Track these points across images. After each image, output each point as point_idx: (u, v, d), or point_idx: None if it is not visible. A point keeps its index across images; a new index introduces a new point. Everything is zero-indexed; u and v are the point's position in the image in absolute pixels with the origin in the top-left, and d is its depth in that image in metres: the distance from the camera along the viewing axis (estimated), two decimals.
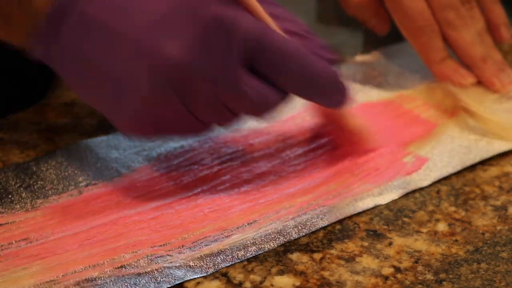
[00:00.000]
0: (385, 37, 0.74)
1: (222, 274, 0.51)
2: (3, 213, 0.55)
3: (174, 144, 0.62)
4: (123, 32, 0.52)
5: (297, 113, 0.66)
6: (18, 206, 0.56)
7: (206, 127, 0.56)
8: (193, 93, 0.53)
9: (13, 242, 0.53)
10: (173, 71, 0.52)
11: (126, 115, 0.54)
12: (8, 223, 0.54)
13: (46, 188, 0.57)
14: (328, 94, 0.56)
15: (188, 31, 0.52)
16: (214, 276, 0.51)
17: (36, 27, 0.53)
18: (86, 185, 0.58)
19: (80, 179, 0.58)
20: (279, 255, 0.53)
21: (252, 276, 0.51)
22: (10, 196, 0.57)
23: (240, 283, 0.51)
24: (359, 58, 0.74)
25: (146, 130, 0.55)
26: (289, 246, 0.54)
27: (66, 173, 0.59)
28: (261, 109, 0.54)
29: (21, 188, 0.57)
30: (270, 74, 0.53)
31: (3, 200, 0.56)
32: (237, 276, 0.51)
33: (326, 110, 0.62)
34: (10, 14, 0.54)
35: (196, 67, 0.52)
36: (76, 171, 0.59)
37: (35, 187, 0.57)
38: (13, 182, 0.58)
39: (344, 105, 0.57)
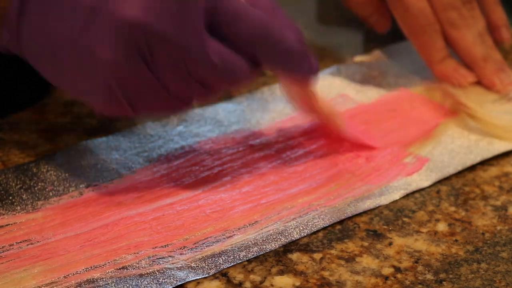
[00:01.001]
0: (385, 36, 0.74)
1: (222, 274, 0.52)
2: (4, 214, 0.55)
3: (174, 145, 0.63)
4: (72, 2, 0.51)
5: (298, 114, 0.66)
6: (19, 208, 0.56)
7: (181, 102, 0.54)
8: (157, 58, 0.51)
9: (14, 243, 0.53)
10: (134, 32, 0.51)
11: (96, 89, 0.52)
12: (9, 224, 0.54)
13: (47, 190, 0.57)
14: (294, 60, 0.55)
15: None
16: (214, 276, 0.51)
17: (3, 17, 0.53)
18: (87, 186, 0.58)
19: (81, 180, 0.58)
20: (279, 255, 0.53)
21: (252, 276, 0.52)
22: (10, 197, 0.57)
23: (240, 283, 0.51)
24: (359, 58, 0.74)
25: (121, 105, 0.53)
26: (289, 246, 0.54)
27: (67, 175, 0.59)
28: (229, 77, 0.53)
29: (22, 190, 0.57)
30: (231, 36, 0.52)
31: (3, 202, 0.56)
32: (237, 276, 0.52)
33: (301, 96, 0.61)
34: None
35: (158, 28, 0.51)
36: (76, 173, 0.59)
37: (36, 188, 0.57)
38: (13, 184, 0.58)
39: (313, 74, 0.57)
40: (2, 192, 0.57)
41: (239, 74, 0.53)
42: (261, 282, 0.51)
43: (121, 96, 0.53)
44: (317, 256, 0.53)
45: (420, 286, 0.51)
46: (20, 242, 0.53)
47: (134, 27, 0.50)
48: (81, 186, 0.58)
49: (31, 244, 0.53)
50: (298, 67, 0.56)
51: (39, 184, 0.58)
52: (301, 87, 0.59)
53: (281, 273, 0.52)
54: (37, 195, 0.57)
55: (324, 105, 0.62)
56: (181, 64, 0.52)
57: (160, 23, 0.51)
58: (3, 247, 0.52)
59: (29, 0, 0.52)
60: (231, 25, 0.52)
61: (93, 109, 0.55)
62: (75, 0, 0.51)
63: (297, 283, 0.51)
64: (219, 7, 0.52)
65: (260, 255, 0.53)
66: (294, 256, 0.53)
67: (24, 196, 0.57)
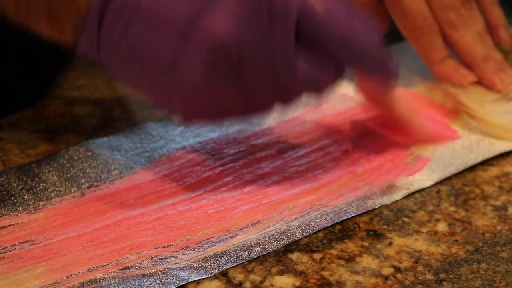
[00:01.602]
0: (385, 37, 0.74)
1: (222, 274, 0.52)
2: (5, 215, 0.55)
3: (176, 145, 0.63)
4: (166, 15, 0.51)
5: (299, 114, 0.67)
6: (20, 208, 0.56)
7: (265, 107, 0.55)
8: (247, 72, 0.52)
9: (17, 244, 0.53)
10: (224, 51, 0.51)
11: (186, 101, 0.54)
12: (11, 225, 0.54)
13: (49, 190, 0.57)
14: (376, 65, 0.56)
15: (238, 7, 0.51)
16: (214, 276, 0.51)
17: (82, 22, 0.53)
18: (89, 187, 0.58)
19: (83, 180, 0.58)
20: (279, 255, 0.53)
21: (252, 276, 0.52)
22: (12, 198, 0.56)
23: (240, 283, 0.51)
24: None
25: (210, 113, 0.55)
26: (289, 246, 0.54)
27: (68, 175, 0.59)
28: (314, 89, 0.54)
29: (24, 190, 0.57)
30: (315, 44, 0.53)
31: (5, 203, 0.56)
32: (237, 276, 0.52)
33: (375, 98, 0.62)
34: (60, 14, 0.53)
35: (248, 47, 0.51)
36: (78, 173, 0.59)
37: (38, 189, 0.57)
38: (15, 185, 0.58)
39: (393, 77, 0.57)
40: (4, 192, 0.57)
41: (323, 87, 0.55)
42: (261, 282, 0.51)
43: (210, 107, 0.54)
44: (317, 256, 0.53)
45: (420, 286, 0.51)
46: (22, 242, 0.53)
47: (225, 46, 0.51)
48: (82, 186, 0.58)
49: (33, 244, 0.53)
50: (380, 71, 0.57)
51: (41, 184, 0.58)
52: (381, 88, 0.60)
53: (281, 273, 0.52)
54: (39, 195, 0.57)
55: (403, 105, 0.63)
56: (270, 79, 0.53)
57: (250, 42, 0.51)
58: (5, 247, 0.52)
59: (106, 13, 0.52)
60: (315, 33, 0.53)
61: (177, 118, 0.56)
62: (161, 18, 0.51)
63: (297, 283, 0.51)
64: (304, 17, 0.52)
65: (261, 255, 0.53)
66: (294, 256, 0.53)
67: (26, 197, 0.57)
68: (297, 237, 0.54)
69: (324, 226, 0.55)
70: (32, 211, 0.55)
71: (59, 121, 0.65)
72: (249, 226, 0.55)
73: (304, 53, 0.53)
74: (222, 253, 0.53)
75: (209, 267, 0.52)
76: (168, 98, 0.54)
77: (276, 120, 0.66)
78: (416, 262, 0.53)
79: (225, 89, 0.53)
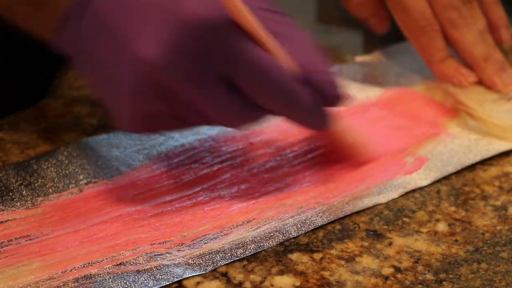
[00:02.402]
0: (385, 37, 0.74)
1: (222, 274, 0.51)
2: (3, 210, 0.55)
3: (174, 142, 0.63)
4: (113, 30, 0.52)
5: None
6: (18, 204, 0.56)
7: (196, 123, 0.56)
8: (172, 97, 0.52)
9: (13, 239, 0.53)
10: (150, 74, 0.51)
11: (120, 111, 0.54)
12: (8, 220, 0.55)
13: (47, 186, 0.58)
14: (307, 118, 0.55)
15: (164, 30, 0.51)
16: (214, 276, 0.51)
17: (59, 22, 0.54)
18: (87, 183, 0.58)
19: (81, 177, 0.59)
20: (279, 255, 0.53)
21: (252, 276, 0.51)
22: (10, 193, 0.57)
23: (240, 283, 0.51)
24: (359, 58, 0.74)
25: (139, 127, 0.55)
26: (289, 246, 0.54)
27: (67, 171, 0.59)
28: (236, 123, 0.54)
29: (22, 186, 0.57)
30: (246, 89, 0.53)
31: (4, 198, 0.56)
32: (237, 276, 0.51)
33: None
34: (40, 9, 0.54)
35: (172, 71, 0.51)
36: (76, 169, 0.59)
37: (36, 185, 0.58)
38: (14, 180, 0.58)
39: (326, 128, 0.56)
40: (2, 188, 0.57)
41: (250, 124, 0.55)
42: (261, 282, 0.51)
43: (138, 119, 0.54)
44: (317, 256, 0.53)
45: (420, 286, 0.51)
46: (19, 237, 0.53)
47: (151, 69, 0.51)
48: (81, 183, 0.58)
49: (30, 240, 0.53)
50: (309, 123, 0.56)
51: (39, 180, 0.58)
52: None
53: (281, 273, 0.52)
54: (37, 191, 0.57)
55: (346, 140, 0.62)
56: (195, 106, 0.53)
57: (176, 67, 0.51)
58: (2, 242, 0.53)
59: (89, 8, 0.53)
60: (246, 78, 0.52)
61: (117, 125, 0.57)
62: (110, 32, 0.52)
63: (297, 283, 0.51)
64: (235, 61, 0.52)
65: (260, 255, 0.53)
66: (294, 256, 0.53)
67: (24, 193, 0.57)
68: (293, 235, 0.54)
69: (319, 224, 0.55)
70: (30, 207, 0.56)
71: (59, 121, 0.65)
72: (245, 224, 0.55)
73: (234, 95, 0.53)
74: (217, 250, 0.53)
75: (203, 263, 0.52)
76: (112, 108, 0.55)
77: (275, 118, 0.66)
78: (416, 262, 0.53)
79: (151, 109, 0.53)
